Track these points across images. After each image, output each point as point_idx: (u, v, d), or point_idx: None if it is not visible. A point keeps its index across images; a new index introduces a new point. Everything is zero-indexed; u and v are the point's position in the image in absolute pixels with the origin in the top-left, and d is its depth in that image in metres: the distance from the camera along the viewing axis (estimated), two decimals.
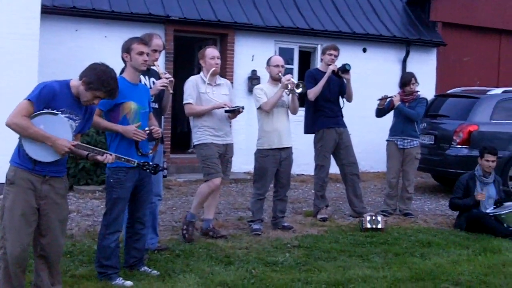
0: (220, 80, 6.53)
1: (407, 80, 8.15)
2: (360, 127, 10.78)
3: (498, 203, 7.21)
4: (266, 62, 7.05)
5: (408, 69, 12.32)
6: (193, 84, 6.32)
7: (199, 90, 6.29)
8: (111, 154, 4.31)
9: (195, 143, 6.40)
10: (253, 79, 11.20)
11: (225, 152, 6.41)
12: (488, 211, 7.11)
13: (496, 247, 6.30)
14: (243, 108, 6.40)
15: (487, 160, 7.33)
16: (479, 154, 7.48)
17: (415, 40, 12.81)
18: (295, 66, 11.98)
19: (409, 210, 8.07)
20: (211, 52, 6.36)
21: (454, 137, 9.46)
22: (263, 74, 9.49)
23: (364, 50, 12.50)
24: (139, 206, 5.05)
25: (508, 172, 9.37)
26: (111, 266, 4.84)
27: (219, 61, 6.38)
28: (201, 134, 6.31)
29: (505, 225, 6.91)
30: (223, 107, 6.27)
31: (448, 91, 11.01)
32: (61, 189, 4.20)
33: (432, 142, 9.83)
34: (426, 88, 12.01)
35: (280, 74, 6.84)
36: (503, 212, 6.99)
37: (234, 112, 6.37)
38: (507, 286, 5.08)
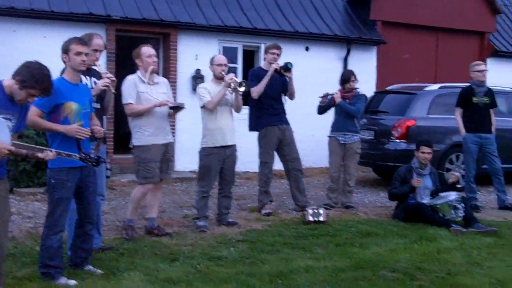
0: (158, 78, 6.54)
1: (346, 77, 8.39)
2: (303, 124, 10.95)
3: (434, 194, 7.52)
4: (210, 61, 7.13)
5: (349, 67, 12.56)
6: (131, 84, 6.29)
7: (138, 90, 6.27)
8: (51, 151, 4.30)
9: (135, 144, 6.37)
10: (197, 78, 11.23)
11: (166, 152, 6.44)
12: (424, 201, 7.40)
13: (431, 235, 6.56)
14: (184, 104, 6.47)
15: (423, 152, 7.63)
16: (416, 146, 7.77)
17: (355, 39, 13.09)
18: (239, 65, 12.08)
19: (350, 203, 8.31)
20: (147, 50, 6.34)
21: (393, 132, 9.77)
22: (207, 73, 9.54)
23: (307, 49, 12.71)
24: (87, 206, 5.06)
25: (444, 164, 9.74)
26: (54, 266, 4.83)
27: (156, 59, 6.40)
28: (141, 134, 6.29)
29: (440, 214, 7.19)
30: (165, 105, 6.30)
31: (387, 88, 11.34)
32: (2, 190, 4.17)
33: (372, 137, 10.12)
34: (367, 85, 12.30)
35: (223, 73, 6.93)
36: (438, 202, 7.28)
37: (178, 108, 6.43)
38: (441, 272, 5.32)
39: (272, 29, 12.11)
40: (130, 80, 6.33)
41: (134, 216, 6.47)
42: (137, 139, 6.33)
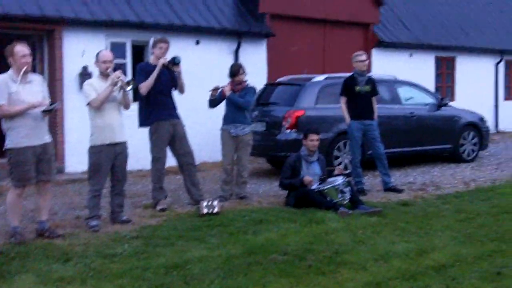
0: (31, 77, 6.32)
1: (235, 70, 8.53)
2: (197, 118, 11.04)
3: (322, 179, 7.85)
4: (95, 57, 7.04)
5: (240, 60, 12.80)
6: (2, 84, 6.04)
7: (9, 90, 6.04)
8: None
9: (8, 147, 6.16)
10: (84, 75, 10.94)
11: (44, 152, 6.28)
12: (313, 187, 7.71)
13: (320, 218, 6.88)
14: (57, 106, 6.35)
15: (312, 140, 7.96)
16: (303, 136, 8.08)
17: (245, 32, 13.26)
18: (128, 61, 11.90)
19: (244, 194, 8.51)
20: (21, 50, 6.09)
21: (283, 123, 10.07)
22: (95, 70, 9.37)
23: (197, 42, 12.76)
24: None
25: (333, 152, 10.16)
26: None
27: (30, 59, 6.18)
28: (14, 136, 6.11)
29: (328, 198, 7.53)
30: (37, 107, 6.12)
31: (277, 80, 11.63)
32: None
33: (264, 129, 10.36)
34: (258, 78, 12.63)
35: (109, 70, 6.86)
36: (326, 187, 7.62)
37: (49, 112, 6.28)
38: (329, 252, 5.62)
39: (161, 23, 12.02)
40: (1, 81, 6.09)
41: (17, 222, 6.29)
42: (10, 141, 6.14)
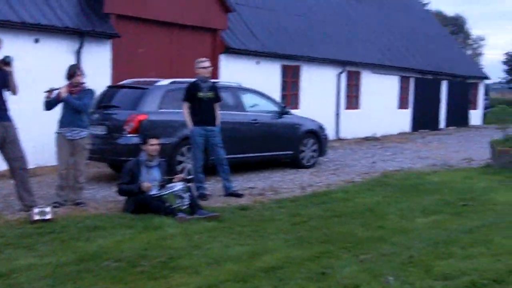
0: None
1: (71, 72, 8.25)
2: (33, 120, 10.50)
3: (162, 185, 7.81)
4: None
5: (83, 61, 12.41)
6: None
7: None
8: None
9: None
10: None
11: None
12: (152, 193, 7.64)
13: (157, 224, 6.83)
14: None
15: (152, 144, 7.89)
16: (142, 141, 7.99)
17: (88, 32, 12.84)
18: None
19: (81, 200, 8.23)
20: None
21: (125, 127, 9.86)
22: None
23: (37, 41, 12.14)
24: None
25: (176, 157, 10.15)
26: None
27: None
28: None
29: (167, 204, 7.49)
30: None
31: (120, 82, 11.39)
32: None
33: (105, 133, 10.07)
34: (102, 79, 12.33)
35: None
36: (164, 193, 7.59)
37: None
38: (163, 257, 5.59)
39: None
40: None
41: None
42: None
